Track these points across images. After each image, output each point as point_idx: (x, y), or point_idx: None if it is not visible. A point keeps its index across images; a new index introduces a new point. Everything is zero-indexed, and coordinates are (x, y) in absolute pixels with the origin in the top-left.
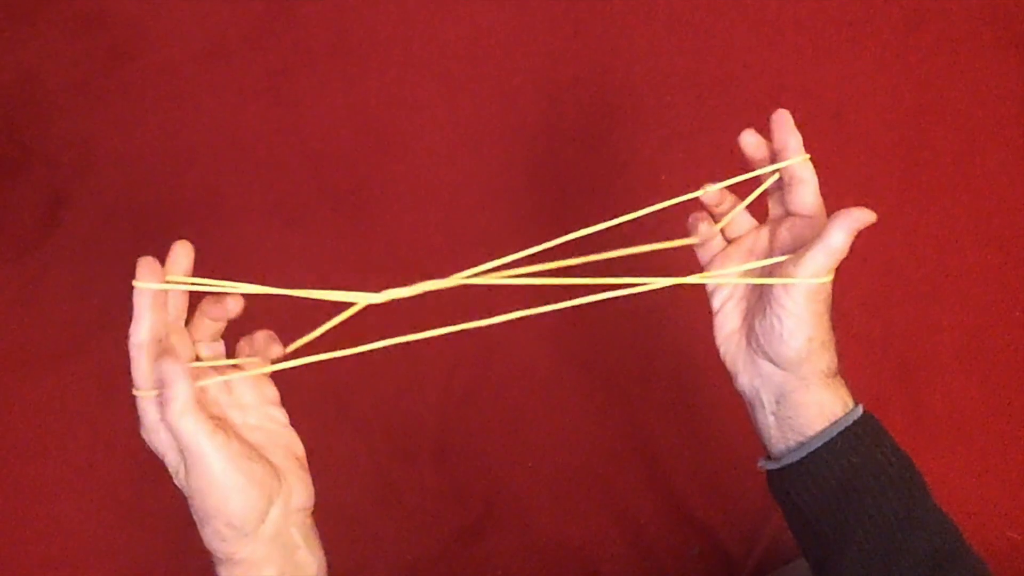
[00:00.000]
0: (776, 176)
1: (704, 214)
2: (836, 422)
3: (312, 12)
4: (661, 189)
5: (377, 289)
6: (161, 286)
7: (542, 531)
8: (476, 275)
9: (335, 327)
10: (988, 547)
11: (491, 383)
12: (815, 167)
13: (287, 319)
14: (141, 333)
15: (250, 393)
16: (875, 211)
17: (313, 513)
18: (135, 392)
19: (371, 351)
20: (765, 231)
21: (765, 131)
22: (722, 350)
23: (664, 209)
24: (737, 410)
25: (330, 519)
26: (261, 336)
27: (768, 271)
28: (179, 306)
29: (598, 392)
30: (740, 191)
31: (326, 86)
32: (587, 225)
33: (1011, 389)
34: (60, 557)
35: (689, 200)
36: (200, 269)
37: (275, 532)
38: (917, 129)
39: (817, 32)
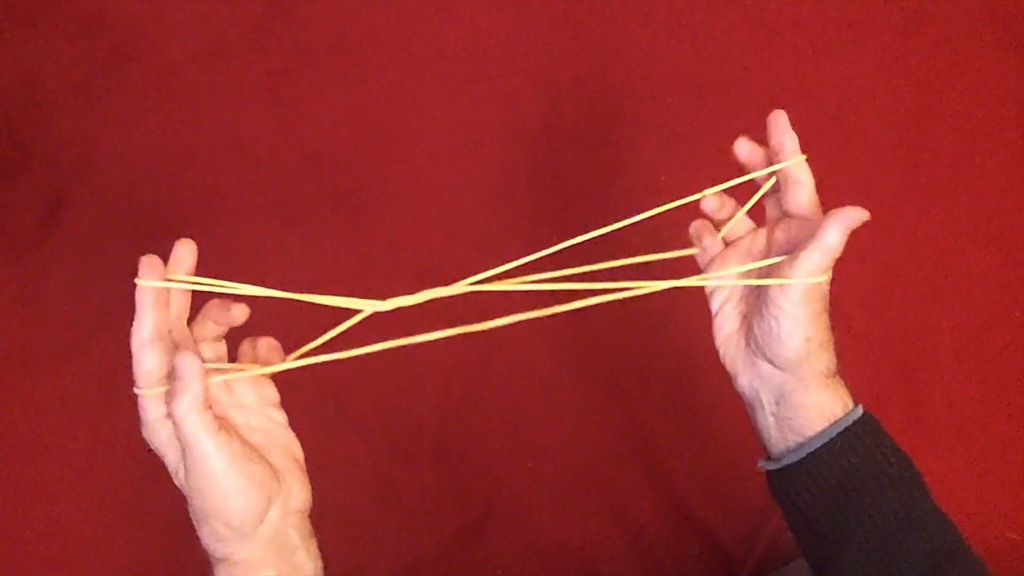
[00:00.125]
0: (773, 179)
1: (707, 225)
2: (836, 423)
3: (312, 13)
4: (661, 190)
5: (377, 289)
6: (163, 284)
7: (542, 531)
8: (480, 282)
9: (328, 317)
10: (988, 547)
11: (491, 383)
12: (814, 168)
13: (288, 320)
14: (143, 331)
15: (251, 394)
16: (874, 212)
17: (313, 513)
18: (136, 390)
19: (371, 352)
20: (762, 232)
21: (763, 132)
22: (721, 351)
23: (663, 211)
24: (737, 410)
25: (330, 519)
26: (264, 345)
27: (765, 272)
28: (181, 305)
29: (598, 392)
30: (739, 193)
31: (326, 87)
32: (587, 225)
33: (1011, 389)
34: (60, 557)
35: (688, 202)
36: (200, 269)
37: (273, 533)
38: (917, 130)
39: (816, 34)
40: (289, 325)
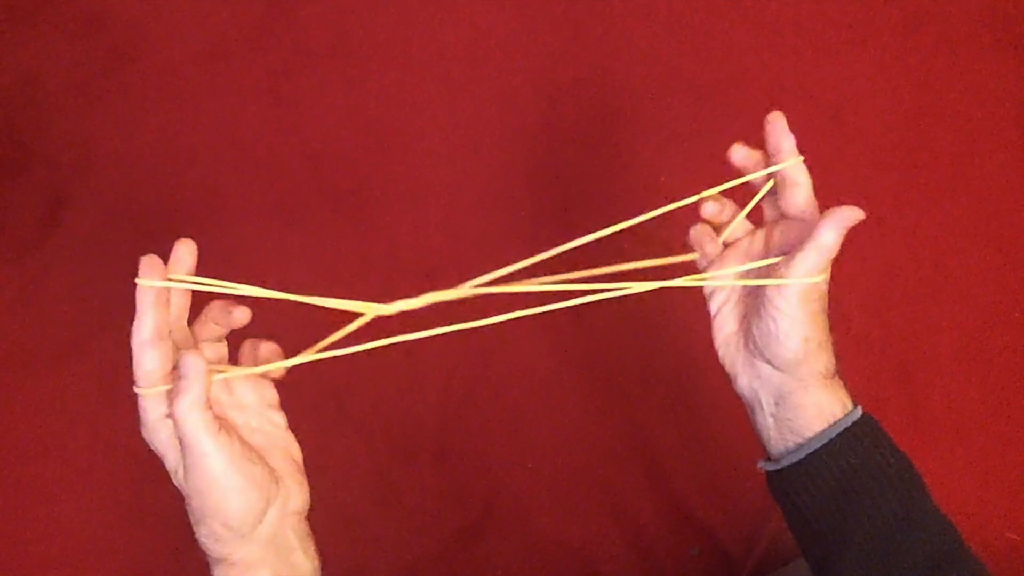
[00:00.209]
0: (771, 182)
1: (707, 230)
2: (835, 423)
3: (312, 13)
4: (661, 190)
5: (377, 288)
6: (164, 284)
7: (542, 531)
8: (483, 284)
9: (330, 321)
10: (987, 548)
11: (491, 383)
12: (814, 169)
13: (289, 321)
14: (144, 331)
15: (251, 395)
16: (874, 212)
17: (313, 513)
18: (136, 389)
19: (371, 351)
20: (760, 234)
21: (762, 133)
22: (721, 353)
23: (662, 212)
24: (737, 411)
25: (330, 519)
26: (266, 349)
27: (763, 273)
28: (181, 305)
29: (598, 392)
30: (737, 195)
31: (326, 87)
32: (587, 225)
33: (1010, 390)
34: (60, 557)
35: (686, 204)
36: (200, 269)
37: (271, 534)
38: (916, 131)
39: (816, 34)
40: (289, 326)
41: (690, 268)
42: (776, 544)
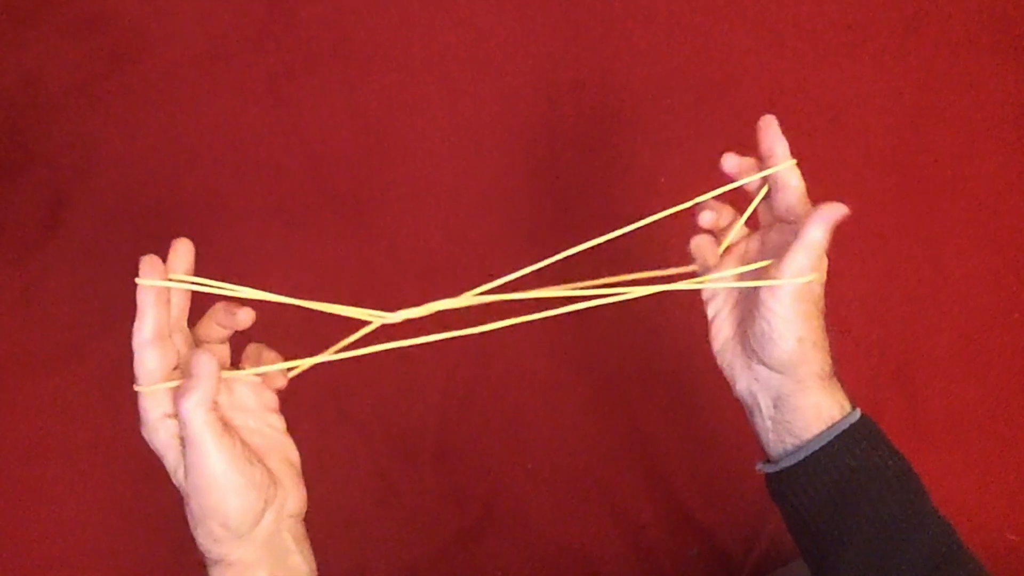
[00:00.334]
0: (766, 187)
1: (707, 242)
2: (833, 426)
3: (313, 15)
4: (661, 192)
5: (378, 289)
6: (164, 283)
7: (542, 532)
8: (486, 292)
9: (333, 324)
10: (987, 549)
11: (491, 385)
12: (813, 169)
13: (290, 322)
14: (145, 330)
15: (251, 397)
16: (873, 214)
17: (313, 514)
18: (137, 388)
19: (370, 352)
20: (756, 237)
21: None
22: (719, 358)
23: (661, 216)
24: (736, 412)
25: (330, 520)
26: (269, 359)
27: (756, 276)
28: (180, 305)
29: (598, 394)
30: (732, 199)
31: (327, 88)
32: (587, 227)
33: (1009, 391)
34: (61, 558)
35: (684, 208)
36: (201, 270)
37: (268, 536)
38: (915, 132)
39: (816, 36)
40: (290, 326)
41: (686, 260)
42: (776, 545)
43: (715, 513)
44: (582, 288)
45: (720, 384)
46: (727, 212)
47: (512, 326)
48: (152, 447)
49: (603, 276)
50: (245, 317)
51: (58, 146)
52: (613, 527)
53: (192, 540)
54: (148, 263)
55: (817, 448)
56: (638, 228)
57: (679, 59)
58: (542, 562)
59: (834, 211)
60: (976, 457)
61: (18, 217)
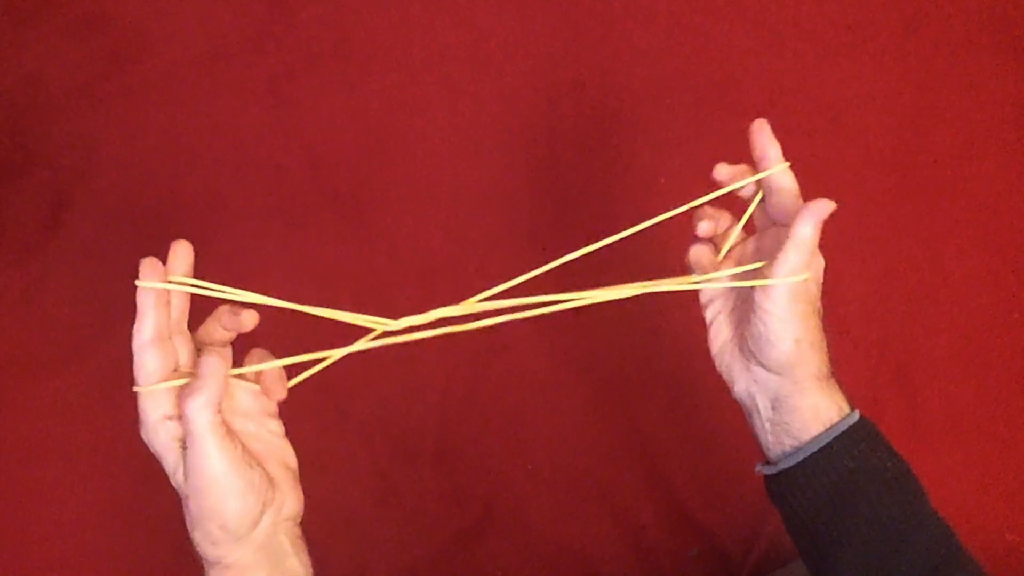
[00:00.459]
0: (761, 193)
1: (706, 251)
2: (831, 427)
3: (313, 15)
4: (661, 192)
5: (378, 290)
6: (164, 285)
7: (541, 533)
8: (487, 299)
9: (335, 327)
10: (986, 550)
11: (491, 385)
12: (814, 171)
13: (290, 323)
14: (144, 332)
15: (250, 401)
16: (873, 214)
17: (314, 514)
18: (136, 388)
19: (371, 353)
20: (752, 241)
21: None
22: (717, 360)
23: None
24: (736, 412)
25: (330, 520)
26: (270, 375)
27: (750, 277)
28: (180, 307)
29: (598, 394)
30: (728, 205)
31: (327, 89)
32: (587, 227)
33: (1008, 392)
34: (61, 560)
35: (681, 211)
36: (201, 271)
37: (265, 539)
38: (915, 132)
39: (816, 36)
40: (290, 328)
41: (684, 262)
42: (775, 545)
43: (715, 514)
44: (580, 274)
45: (720, 385)
46: (724, 218)
47: (512, 327)
48: (151, 449)
49: (603, 276)
50: (249, 319)
51: (58, 147)
52: (613, 527)
53: (190, 542)
54: (148, 265)
55: (815, 450)
56: (636, 234)
57: (679, 59)
58: (542, 562)
59: (822, 207)
60: (975, 458)
61: (19, 218)
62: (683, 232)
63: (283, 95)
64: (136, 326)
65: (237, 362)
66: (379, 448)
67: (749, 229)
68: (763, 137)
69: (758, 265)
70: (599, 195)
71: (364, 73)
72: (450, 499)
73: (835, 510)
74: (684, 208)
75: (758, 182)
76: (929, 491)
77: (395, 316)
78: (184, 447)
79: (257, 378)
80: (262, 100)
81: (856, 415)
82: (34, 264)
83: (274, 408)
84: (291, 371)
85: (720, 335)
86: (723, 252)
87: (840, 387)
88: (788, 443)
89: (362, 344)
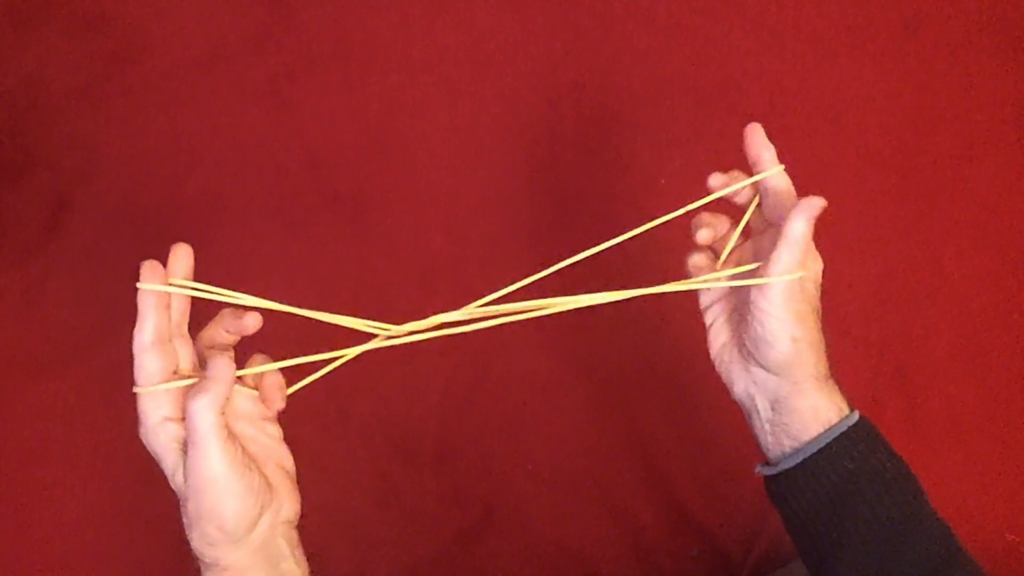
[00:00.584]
0: (757, 197)
1: (704, 259)
2: (831, 428)
3: (313, 16)
4: (660, 193)
5: (378, 291)
6: (165, 288)
7: (541, 533)
8: (487, 304)
9: (336, 331)
10: (986, 550)
11: (491, 386)
12: (814, 171)
13: (290, 323)
14: (145, 334)
15: (249, 405)
16: (873, 215)
17: (314, 515)
18: (136, 389)
19: (372, 355)
20: (750, 244)
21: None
22: (716, 362)
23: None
24: (736, 413)
25: (331, 521)
26: (269, 382)
27: (746, 278)
28: (181, 310)
29: (598, 395)
30: (725, 210)
31: (327, 90)
32: (587, 228)
33: (1008, 392)
34: (62, 561)
35: (680, 214)
36: (201, 273)
37: (262, 541)
38: (915, 133)
39: (816, 37)
40: (290, 330)
41: (683, 264)
42: (775, 545)
43: (715, 514)
44: (581, 276)
45: (720, 385)
46: (722, 223)
47: (512, 327)
48: (150, 450)
49: (602, 277)
50: (252, 322)
51: (59, 148)
52: (613, 527)
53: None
54: (149, 268)
55: (815, 451)
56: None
57: (679, 60)
58: (542, 563)
59: (813, 204)
60: (975, 458)
61: (19, 219)
62: (683, 233)
63: (283, 96)
64: (137, 328)
65: (238, 367)
66: (379, 449)
67: (748, 233)
68: (757, 140)
69: (754, 266)
70: (599, 196)
71: (364, 74)
72: (450, 500)
73: (835, 511)
74: (683, 210)
75: (754, 186)
76: (929, 491)
77: (395, 316)
78: (183, 449)
79: (257, 385)
80: (262, 101)
81: (855, 416)
82: (34, 265)
83: (273, 412)
84: (292, 373)
85: (719, 337)
86: (723, 258)
87: (839, 387)
88: (788, 444)
89: (361, 349)
